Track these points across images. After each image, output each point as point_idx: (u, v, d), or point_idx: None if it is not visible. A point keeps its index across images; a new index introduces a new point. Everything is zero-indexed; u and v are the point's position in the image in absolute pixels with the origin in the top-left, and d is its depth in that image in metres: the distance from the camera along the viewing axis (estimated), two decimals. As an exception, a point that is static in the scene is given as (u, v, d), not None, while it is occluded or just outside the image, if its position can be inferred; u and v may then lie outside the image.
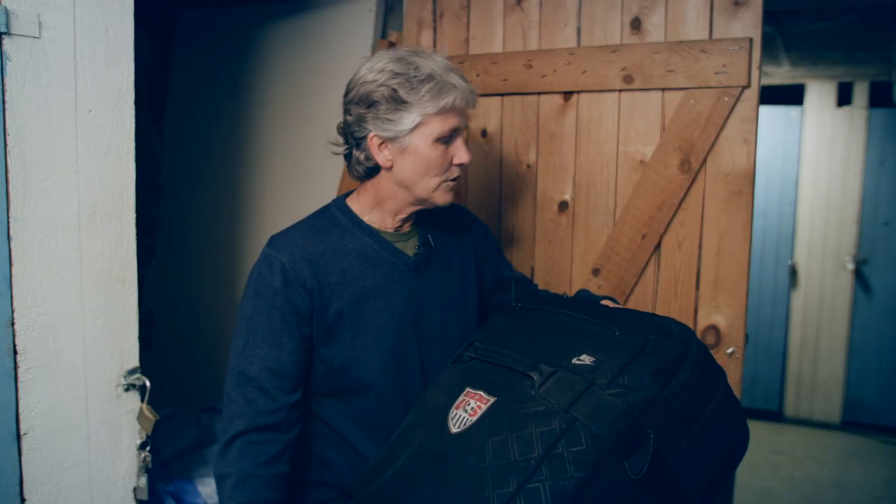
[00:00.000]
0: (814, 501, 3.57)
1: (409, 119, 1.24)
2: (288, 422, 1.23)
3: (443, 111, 1.25)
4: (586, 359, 1.12)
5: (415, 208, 1.35)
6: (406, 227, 1.39)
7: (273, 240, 1.35)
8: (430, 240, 1.39)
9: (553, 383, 1.09)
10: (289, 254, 1.29)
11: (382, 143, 1.27)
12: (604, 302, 1.50)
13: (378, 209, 1.35)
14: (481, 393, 1.14)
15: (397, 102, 1.24)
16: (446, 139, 1.28)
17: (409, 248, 1.38)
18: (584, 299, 1.53)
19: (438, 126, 1.25)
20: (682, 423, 1.09)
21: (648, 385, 1.06)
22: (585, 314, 1.28)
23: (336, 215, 1.36)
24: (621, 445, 1.01)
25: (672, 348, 1.15)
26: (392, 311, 1.33)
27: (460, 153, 1.30)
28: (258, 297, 1.27)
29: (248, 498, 1.16)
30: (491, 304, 1.55)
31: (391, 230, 1.37)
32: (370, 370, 1.30)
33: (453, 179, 1.32)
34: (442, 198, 1.33)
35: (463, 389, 1.17)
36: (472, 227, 1.51)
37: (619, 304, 1.54)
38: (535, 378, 1.10)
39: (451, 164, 1.31)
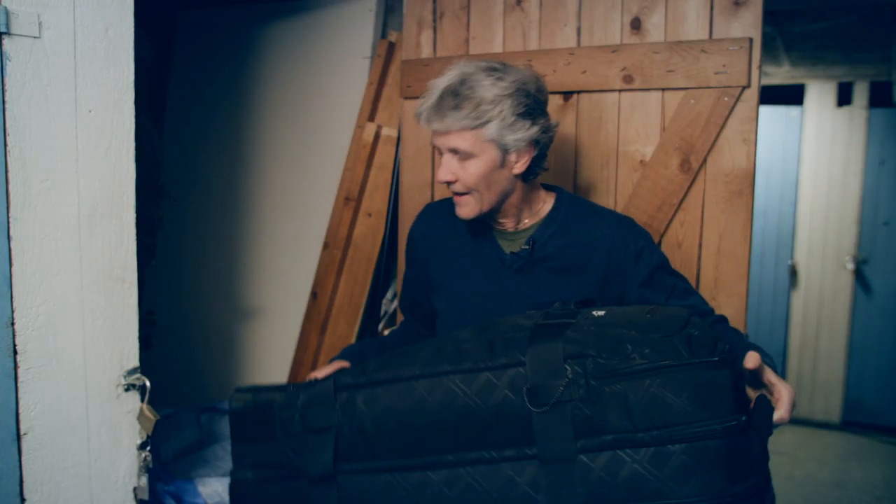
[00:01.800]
0: (814, 501, 3.57)
1: None
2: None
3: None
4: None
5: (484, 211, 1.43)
6: (512, 226, 1.47)
7: (426, 205, 1.68)
8: (535, 244, 1.42)
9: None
10: (416, 223, 1.62)
11: None
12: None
13: None
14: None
15: None
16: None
17: (515, 246, 1.45)
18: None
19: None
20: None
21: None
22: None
23: None
24: None
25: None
26: (478, 297, 1.45)
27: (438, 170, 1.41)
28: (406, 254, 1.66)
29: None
30: None
31: (497, 227, 1.48)
32: (441, 325, 1.50)
33: (455, 193, 1.40)
34: (456, 211, 1.42)
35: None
36: (615, 244, 1.41)
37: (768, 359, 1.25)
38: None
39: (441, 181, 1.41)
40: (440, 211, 1.57)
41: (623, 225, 1.44)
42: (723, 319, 1.44)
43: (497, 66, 1.39)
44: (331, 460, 1.22)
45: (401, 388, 1.17)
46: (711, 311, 1.44)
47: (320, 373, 1.36)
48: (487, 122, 1.34)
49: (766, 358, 1.18)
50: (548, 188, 1.52)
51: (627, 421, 1.01)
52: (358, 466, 1.20)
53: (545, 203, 1.48)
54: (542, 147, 1.41)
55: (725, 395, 0.98)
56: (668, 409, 0.98)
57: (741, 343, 1.33)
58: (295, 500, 1.25)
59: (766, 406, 1.05)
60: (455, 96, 1.34)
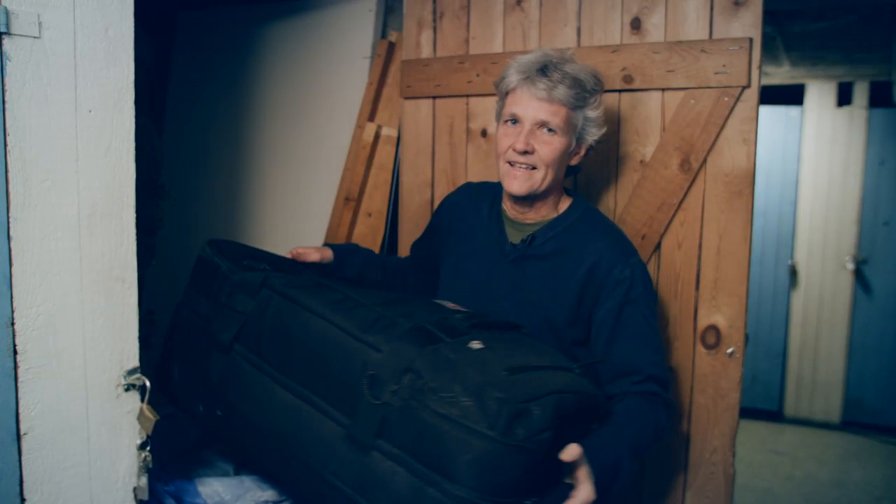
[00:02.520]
0: (814, 501, 3.57)
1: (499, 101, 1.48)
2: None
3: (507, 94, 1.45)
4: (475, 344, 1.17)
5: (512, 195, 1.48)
6: (525, 218, 1.50)
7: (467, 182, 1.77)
8: (533, 242, 1.46)
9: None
10: (454, 192, 1.70)
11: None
12: None
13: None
14: None
15: (498, 84, 1.48)
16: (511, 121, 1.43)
17: (518, 237, 1.50)
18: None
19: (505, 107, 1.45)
20: None
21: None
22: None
23: (493, 190, 1.59)
24: None
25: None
26: (473, 278, 1.53)
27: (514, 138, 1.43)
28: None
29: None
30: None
31: (511, 216, 1.53)
32: (443, 295, 1.55)
33: (511, 163, 1.43)
34: (506, 183, 1.45)
35: None
36: (601, 262, 1.41)
37: None
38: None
39: (509, 146, 1.42)
40: (475, 191, 1.64)
41: (619, 248, 1.44)
42: (652, 394, 1.36)
43: (575, 58, 1.47)
44: (231, 338, 1.33)
45: (302, 314, 1.27)
46: (656, 377, 1.37)
47: (307, 252, 1.56)
48: (584, 107, 1.42)
49: (606, 456, 1.16)
50: (567, 192, 1.55)
51: (416, 447, 1.07)
52: (247, 354, 1.32)
53: (562, 205, 1.52)
54: (591, 149, 1.49)
55: (506, 477, 1.02)
56: (450, 463, 1.03)
57: (622, 431, 1.25)
58: (203, 352, 1.38)
59: (560, 495, 1.09)
60: (560, 71, 1.38)
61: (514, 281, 1.47)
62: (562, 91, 1.37)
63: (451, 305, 1.39)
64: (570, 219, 1.48)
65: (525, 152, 1.39)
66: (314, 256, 1.57)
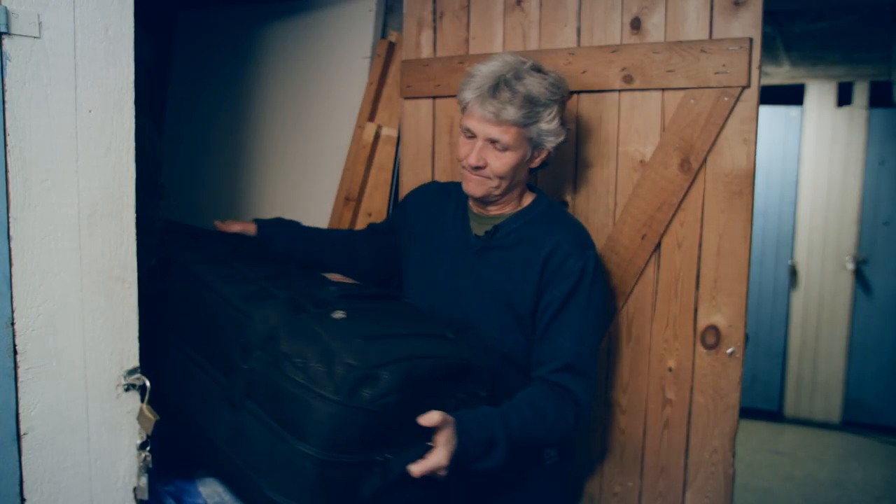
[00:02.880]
0: (814, 501, 3.57)
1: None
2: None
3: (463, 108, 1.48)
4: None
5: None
6: (488, 212, 1.56)
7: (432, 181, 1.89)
8: (496, 234, 1.52)
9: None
10: (418, 189, 1.77)
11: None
12: None
13: None
14: None
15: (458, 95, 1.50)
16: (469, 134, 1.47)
17: (481, 230, 1.56)
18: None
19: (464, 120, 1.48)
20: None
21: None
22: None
23: (459, 187, 1.61)
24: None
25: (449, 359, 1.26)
26: (438, 270, 1.57)
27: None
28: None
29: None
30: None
31: (475, 210, 1.58)
32: (407, 291, 1.64)
33: (473, 169, 1.47)
34: (464, 185, 1.51)
35: None
36: (557, 251, 1.46)
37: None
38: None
39: (465, 156, 1.47)
40: (441, 190, 1.70)
41: (577, 240, 1.49)
42: (564, 388, 1.41)
43: (539, 66, 1.48)
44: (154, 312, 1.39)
45: (198, 287, 1.38)
46: (572, 367, 1.42)
47: (228, 225, 1.66)
48: (537, 122, 1.44)
49: (480, 432, 1.27)
50: (531, 188, 1.61)
51: (273, 408, 1.17)
52: (167, 328, 1.43)
53: (525, 199, 1.57)
54: (551, 153, 1.52)
55: (351, 436, 1.12)
56: (299, 423, 1.13)
57: (508, 414, 1.33)
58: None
59: (415, 454, 1.19)
60: (511, 90, 1.40)
61: (477, 271, 1.53)
62: (510, 112, 1.40)
63: (336, 278, 1.47)
64: (533, 213, 1.54)
65: (477, 167, 1.45)
66: (235, 228, 1.66)
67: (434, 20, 2.02)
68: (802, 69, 4.01)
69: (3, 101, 0.97)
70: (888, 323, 4.43)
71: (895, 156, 4.36)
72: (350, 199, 2.23)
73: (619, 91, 1.78)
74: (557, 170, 1.87)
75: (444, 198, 1.66)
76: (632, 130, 1.78)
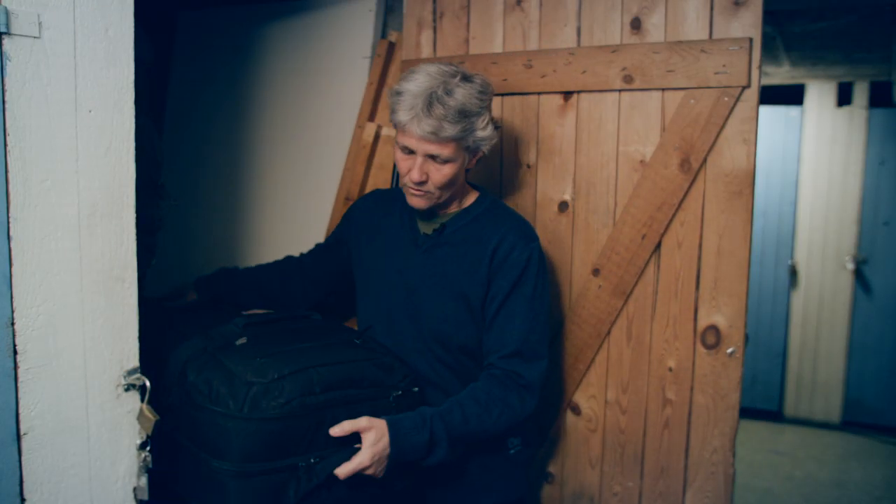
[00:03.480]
0: (814, 501, 3.57)
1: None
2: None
3: (399, 127, 1.48)
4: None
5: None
6: (437, 211, 1.59)
7: (375, 189, 1.87)
8: (444, 231, 1.57)
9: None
10: (362, 199, 1.80)
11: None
12: None
13: None
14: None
15: (390, 115, 1.52)
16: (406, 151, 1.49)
17: (429, 229, 1.60)
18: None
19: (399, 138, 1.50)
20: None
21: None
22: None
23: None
24: None
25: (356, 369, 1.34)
26: (390, 271, 1.61)
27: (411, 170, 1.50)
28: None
29: None
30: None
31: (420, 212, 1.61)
32: (360, 308, 1.68)
33: (415, 185, 1.49)
34: (408, 200, 1.54)
35: None
36: (503, 243, 1.52)
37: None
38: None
39: (406, 172, 1.50)
40: (384, 196, 1.75)
41: (521, 233, 1.55)
42: (512, 373, 1.48)
43: (463, 72, 1.50)
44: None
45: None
46: (520, 352, 1.49)
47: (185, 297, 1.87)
48: (472, 132, 1.48)
49: (415, 435, 1.34)
50: (472, 186, 1.66)
51: (194, 435, 1.27)
52: None
53: (469, 197, 1.62)
54: (485, 154, 1.57)
55: (261, 446, 1.21)
56: (213, 443, 1.23)
57: (449, 413, 1.40)
58: None
59: (343, 456, 1.28)
60: (444, 105, 1.43)
61: (428, 267, 1.57)
62: (447, 128, 1.42)
63: (254, 312, 1.59)
64: (477, 210, 1.60)
65: (420, 182, 1.48)
66: (190, 298, 1.87)
67: (434, 20, 2.02)
68: (802, 69, 4.01)
69: (3, 101, 0.97)
70: (888, 323, 4.43)
71: (895, 156, 4.36)
72: (350, 199, 2.23)
73: (619, 91, 1.78)
74: (556, 170, 1.87)
75: (388, 203, 1.70)
76: (632, 130, 1.78)
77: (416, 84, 1.45)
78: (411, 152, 1.48)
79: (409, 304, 1.57)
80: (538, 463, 1.95)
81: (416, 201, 1.53)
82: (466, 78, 1.48)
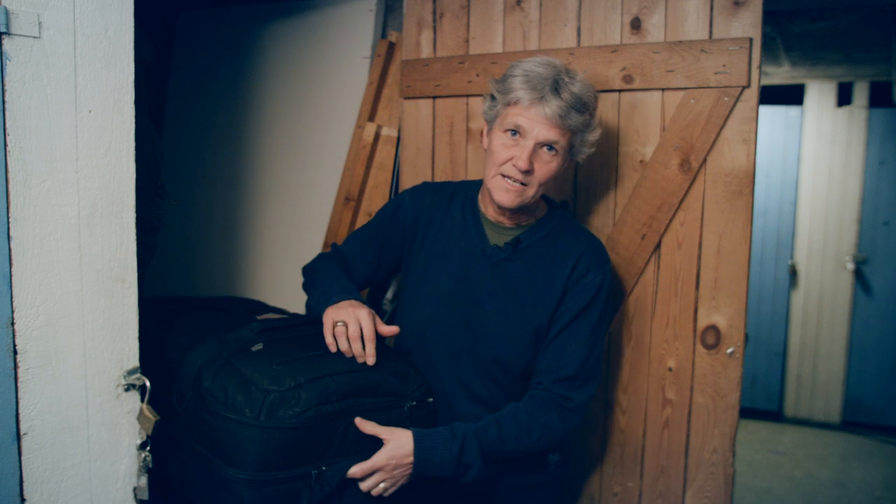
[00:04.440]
0: (814, 501, 3.57)
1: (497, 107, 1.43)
2: None
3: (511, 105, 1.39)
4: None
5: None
6: (507, 222, 1.50)
7: (422, 183, 1.68)
8: (519, 245, 1.47)
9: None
10: (411, 194, 1.62)
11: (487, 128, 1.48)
12: None
13: (484, 192, 1.51)
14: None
15: (493, 93, 1.44)
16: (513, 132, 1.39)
17: (500, 240, 1.50)
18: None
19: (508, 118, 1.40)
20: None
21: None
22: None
23: (466, 191, 1.58)
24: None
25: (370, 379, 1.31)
26: (452, 279, 1.50)
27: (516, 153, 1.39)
28: (378, 211, 1.65)
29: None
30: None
31: (491, 219, 1.51)
32: (410, 309, 1.55)
33: (510, 178, 1.40)
34: (496, 194, 1.42)
35: None
36: (579, 265, 1.45)
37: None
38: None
39: (508, 159, 1.39)
40: (439, 193, 1.60)
41: (597, 255, 1.48)
42: (560, 396, 1.42)
43: (576, 71, 1.42)
44: None
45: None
46: (575, 376, 1.43)
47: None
48: (587, 129, 1.41)
49: (446, 449, 1.32)
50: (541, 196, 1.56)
51: (207, 441, 1.26)
52: None
53: (540, 209, 1.53)
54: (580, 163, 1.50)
55: (276, 455, 1.20)
56: (227, 450, 1.22)
57: (485, 430, 1.37)
58: None
59: (351, 462, 1.27)
60: (570, 91, 1.35)
61: (497, 282, 1.47)
62: (574, 117, 1.35)
63: (266, 317, 1.56)
64: (550, 224, 1.51)
65: (527, 171, 1.38)
66: None
67: (434, 20, 2.02)
68: (802, 69, 4.01)
69: (3, 101, 0.97)
70: (888, 323, 4.43)
71: (895, 156, 4.36)
72: (350, 198, 2.23)
73: (619, 91, 1.78)
74: (557, 170, 1.87)
75: (444, 201, 1.58)
76: (632, 130, 1.78)
77: (540, 65, 1.37)
78: (516, 134, 1.37)
79: (471, 318, 1.48)
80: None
81: (508, 197, 1.40)
82: (577, 76, 1.41)
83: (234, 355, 1.31)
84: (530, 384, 1.48)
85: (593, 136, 1.43)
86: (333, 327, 1.34)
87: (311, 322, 1.47)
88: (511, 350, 1.45)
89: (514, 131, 1.38)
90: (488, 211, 1.52)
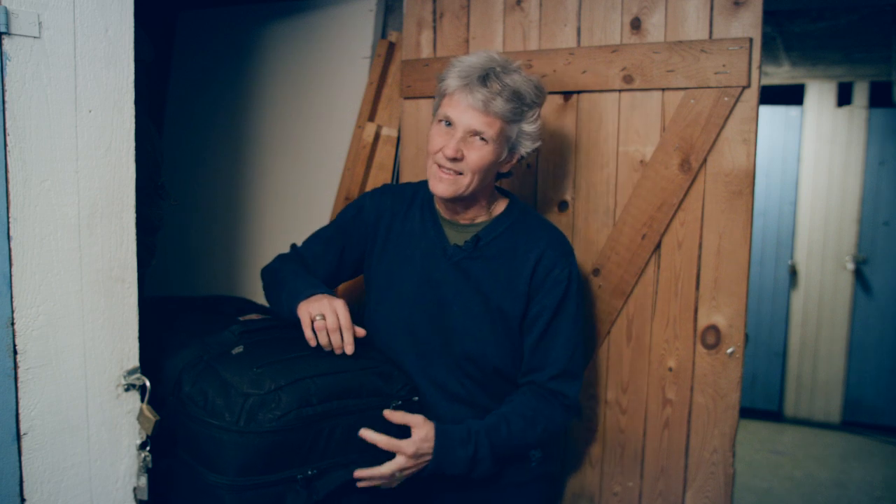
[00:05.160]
0: (814, 501, 3.57)
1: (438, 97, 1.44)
2: None
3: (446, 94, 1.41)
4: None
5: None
6: (461, 219, 1.50)
7: (382, 185, 1.66)
8: (479, 241, 1.48)
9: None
10: (371, 196, 1.60)
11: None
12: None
13: None
14: None
15: (438, 83, 1.45)
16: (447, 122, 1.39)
17: (460, 239, 1.49)
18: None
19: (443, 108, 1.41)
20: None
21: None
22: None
23: (425, 193, 1.56)
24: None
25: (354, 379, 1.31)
26: (414, 282, 1.50)
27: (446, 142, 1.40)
28: (340, 213, 1.63)
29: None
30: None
31: (447, 217, 1.52)
32: (376, 315, 1.55)
33: (444, 168, 1.40)
34: (431, 184, 1.44)
35: None
36: (543, 260, 1.46)
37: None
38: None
39: (439, 149, 1.40)
40: (399, 195, 1.60)
41: (560, 248, 1.49)
42: (556, 393, 1.46)
43: (521, 68, 1.43)
44: None
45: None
46: (567, 371, 1.46)
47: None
48: (520, 121, 1.41)
49: (463, 448, 1.35)
50: (501, 192, 1.58)
51: (190, 447, 1.25)
52: None
53: (498, 205, 1.54)
54: (522, 158, 1.49)
55: (258, 459, 1.19)
56: (208, 456, 1.21)
57: (496, 428, 1.40)
58: None
59: (342, 474, 1.27)
60: (500, 82, 1.36)
61: (461, 281, 1.48)
62: (499, 104, 1.36)
63: (250, 318, 1.53)
64: (510, 218, 1.51)
65: (454, 159, 1.38)
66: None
67: (434, 20, 2.02)
68: (802, 69, 4.01)
69: (3, 101, 0.97)
70: (888, 323, 4.43)
71: (895, 156, 4.36)
72: (350, 198, 2.23)
73: (619, 91, 1.78)
74: (557, 170, 1.87)
75: (404, 204, 1.57)
76: (632, 130, 1.78)
77: (476, 57, 1.40)
78: (449, 125, 1.39)
79: (439, 320, 1.48)
80: (538, 463, 1.95)
81: (442, 186, 1.41)
82: (524, 74, 1.43)
83: (215, 359, 1.30)
84: (520, 383, 1.50)
85: (531, 127, 1.42)
86: (312, 321, 1.33)
87: (294, 323, 1.46)
88: (482, 347, 1.47)
89: (448, 122, 1.40)
90: (442, 209, 1.53)
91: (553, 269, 1.45)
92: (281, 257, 1.64)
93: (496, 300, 1.46)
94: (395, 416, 1.31)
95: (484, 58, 1.41)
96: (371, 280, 1.59)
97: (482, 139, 1.38)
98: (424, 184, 1.56)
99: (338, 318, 1.34)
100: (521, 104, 1.39)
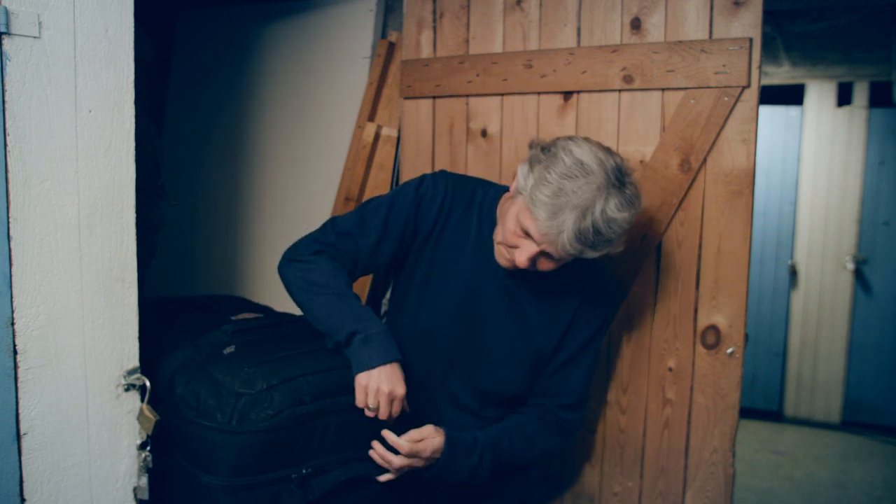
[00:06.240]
0: (814, 501, 3.57)
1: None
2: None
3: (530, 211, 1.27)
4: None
5: None
6: None
7: (442, 171, 1.52)
8: (528, 272, 1.38)
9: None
10: (434, 184, 1.46)
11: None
12: None
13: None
14: None
15: (530, 171, 1.30)
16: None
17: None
18: None
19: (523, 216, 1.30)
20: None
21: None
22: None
23: (484, 196, 1.48)
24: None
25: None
26: (457, 292, 1.45)
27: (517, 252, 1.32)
28: (393, 196, 1.46)
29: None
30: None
31: None
32: (404, 312, 1.50)
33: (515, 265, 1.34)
34: (497, 256, 1.40)
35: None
36: (586, 301, 1.46)
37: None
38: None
39: (512, 245, 1.33)
40: (458, 189, 1.48)
41: (606, 289, 1.51)
42: (563, 420, 1.50)
43: (618, 171, 1.26)
44: None
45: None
46: (578, 405, 1.51)
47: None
48: (606, 250, 1.30)
49: (467, 457, 1.37)
50: None
51: (183, 449, 1.24)
52: None
53: None
54: None
55: (251, 459, 1.18)
56: (202, 457, 1.20)
57: (498, 441, 1.43)
58: None
59: (338, 475, 1.28)
60: (596, 234, 1.24)
61: (503, 303, 1.46)
62: (588, 253, 1.27)
63: (243, 316, 1.52)
64: None
65: (524, 269, 1.33)
66: None
67: (434, 20, 2.02)
68: (802, 69, 4.01)
69: (3, 101, 0.97)
70: (888, 323, 4.42)
71: (895, 156, 4.36)
72: (350, 198, 2.23)
73: (619, 91, 1.78)
74: (557, 170, 1.87)
75: (463, 200, 1.47)
76: (632, 130, 1.78)
77: (575, 186, 1.21)
78: (528, 235, 1.28)
79: (475, 335, 1.44)
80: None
81: (505, 265, 1.37)
82: (622, 185, 1.25)
83: (207, 360, 1.30)
84: (529, 401, 1.53)
85: (614, 250, 1.30)
86: (366, 399, 1.27)
87: (287, 321, 1.45)
88: (507, 375, 1.48)
89: (525, 232, 1.30)
90: None
91: (595, 308, 1.48)
92: (328, 259, 1.42)
93: (536, 330, 1.46)
94: (404, 445, 1.30)
95: (584, 190, 1.21)
96: (409, 271, 1.49)
97: (557, 261, 1.31)
98: (486, 185, 1.51)
99: (391, 406, 1.28)
100: (612, 245, 1.28)
